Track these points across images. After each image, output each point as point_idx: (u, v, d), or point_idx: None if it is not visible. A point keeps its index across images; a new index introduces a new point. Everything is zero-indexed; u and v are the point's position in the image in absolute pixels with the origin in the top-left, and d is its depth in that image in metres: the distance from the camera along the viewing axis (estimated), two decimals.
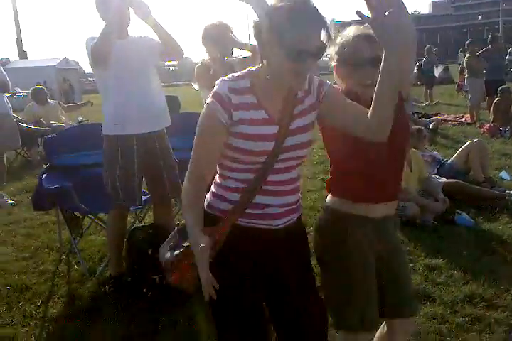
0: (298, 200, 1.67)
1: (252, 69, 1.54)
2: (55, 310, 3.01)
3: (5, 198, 5.46)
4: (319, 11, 1.39)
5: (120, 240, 3.26)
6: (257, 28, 1.43)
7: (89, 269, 3.50)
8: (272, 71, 1.46)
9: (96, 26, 3.10)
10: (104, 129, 3.10)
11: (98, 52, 2.88)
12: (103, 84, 3.10)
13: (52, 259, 3.75)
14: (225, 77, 1.52)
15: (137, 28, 3.21)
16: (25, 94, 15.65)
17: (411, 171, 4.26)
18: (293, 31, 1.34)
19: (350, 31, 1.75)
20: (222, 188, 1.60)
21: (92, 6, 3.10)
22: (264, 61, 1.47)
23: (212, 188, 1.63)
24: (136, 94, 3.02)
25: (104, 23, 2.88)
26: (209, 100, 1.49)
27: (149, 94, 3.08)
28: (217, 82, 1.52)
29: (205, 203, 1.61)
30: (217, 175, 1.63)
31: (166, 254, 1.58)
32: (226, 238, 1.50)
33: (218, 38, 3.20)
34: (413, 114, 9.07)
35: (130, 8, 2.92)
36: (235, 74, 1.53)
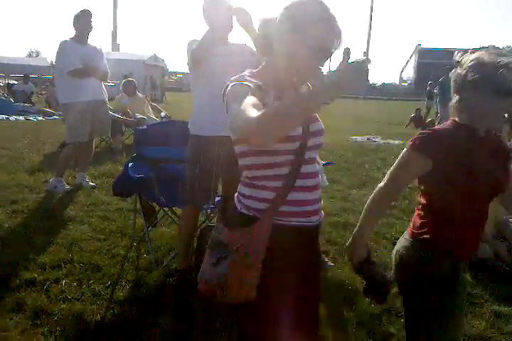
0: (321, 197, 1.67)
1: (253, 71, 1.59)
2: (121, 293, 3.14)
3: (87, 180, 5.78)
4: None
5: (190, 236, 3.37)
6: (268, 29, 1.52)
7: (157, 259, 3.64)
8: (285, 70, 1.52)
9: (186, 28, 3.28)
10: (191, 128, 3.23)
11: (197, 56, 3.05)
12: (195, 84, 3.25)
13: (124, 244, 3.92)
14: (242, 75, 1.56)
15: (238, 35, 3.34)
16: (113, 84, 16.45)
17: None
18: (319, 30, 1.43)
19: None
20: (257, 188, 1.56)
21: (187, 7, 3.27)
22: (270, 62, 1.56)
23: (243, 190, 1.61)
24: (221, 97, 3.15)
25: (207, 28, 3.03)
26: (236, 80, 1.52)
27: None
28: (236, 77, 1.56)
29: (238, 205, 1.60)
30: (246, 176, 1.61)
31: (213, 270, 1.55)
32: (272, 240, 1.50)
33: None
34: None
35: (233, 16, 3.04)
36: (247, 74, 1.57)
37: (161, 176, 3.71)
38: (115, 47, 36.05)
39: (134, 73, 23.47)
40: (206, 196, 3.26)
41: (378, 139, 12.12)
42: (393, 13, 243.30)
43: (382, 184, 1.79)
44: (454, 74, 1.73)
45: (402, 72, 57.44)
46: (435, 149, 1.68)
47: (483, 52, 1.65)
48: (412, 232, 1.85)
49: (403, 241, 1.88)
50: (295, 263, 1.58)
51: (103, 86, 5.69)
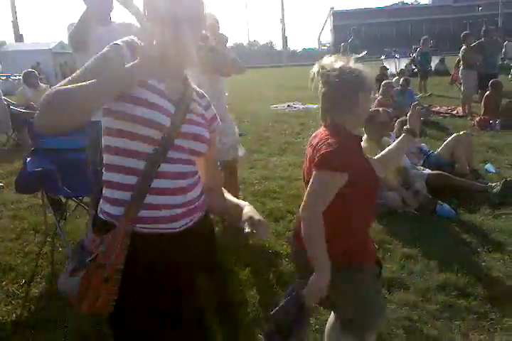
0: (200, 196, 1.51)
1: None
2: (37, 290, 3.07)
3: None
4: None
5: None
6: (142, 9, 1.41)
7: (73, 251, 3.54)
8: (159, 48, 1.36)
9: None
10: None
11: (76, 38, 2.93)
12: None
13: (37, 241, 3.81)
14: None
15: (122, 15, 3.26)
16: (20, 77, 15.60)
17: None
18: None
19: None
20: (111, 187, 1.41)
21: None
22: (151, 42, 1.38)
23: (103, 191, 1.45)
24: None
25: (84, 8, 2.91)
26: (115, 43, 1.37)
27: None
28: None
29: (98, 208, 1.44)
30: (104, 175, 1.45)
31: (68, 281, 1.39)
32: (132, 249, 1.34)
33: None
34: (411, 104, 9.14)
35: None
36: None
37: (64, 167, 3.59)
38: (18, 37, 33.91)
39: (41, 63, 22.33)
40: None
41: (298, 105, 12.29)
42: None
43: (306, 213, 1.76)
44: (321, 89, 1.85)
45: (320, 36, 58.43)
46: (347, 162, 1.74)
47: (338, 62, 1.83)
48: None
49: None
50: (162, 274, 1.41)
51: None
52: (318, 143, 1.83)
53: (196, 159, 1.49)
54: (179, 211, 1.42)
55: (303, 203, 1.79)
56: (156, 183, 1.37)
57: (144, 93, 1.35)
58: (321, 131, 1.90)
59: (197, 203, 1.48)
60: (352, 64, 1.83)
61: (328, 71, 1.82)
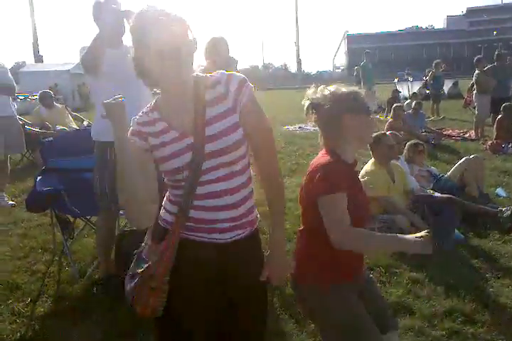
0: (244, 215, 1.59)
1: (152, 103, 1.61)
2: (42, 309, 3.09)
3: (5, 199, 5.58)
4: (167, 12, 1.43)
5: (109, 243, 3.33)
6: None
7: (80, 270, 3.58)
8: (160, 85, 1.51)
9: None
10: (94, 135, 3.20)
11: (87, 61, 2.99)
12: (94, 91, 3.21)
13: (45, 260, 3.84)
14: (136, 116, 1.60)
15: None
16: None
17: (394, 183, 4.29)
18: (142, 35, 1.43)
19: None
20: (166, 199, 1.64)
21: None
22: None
23: (163, 202, 1.67)
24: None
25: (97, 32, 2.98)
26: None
27: (137, 103, 3.17)
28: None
29: (159, 216, 1.66)
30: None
31: (128, 285, 1.58)
32: (177, 254, 1.53)
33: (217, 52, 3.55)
34: (424, 130, 9.19)
35: (125, 19, 3.01)
36: (145, 109, 1.60)
37: (73, 186, 3.65)
38: (38, 58, 34.69)
39: (60, 84, 22.78)
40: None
41: (309, 127, 12.31)
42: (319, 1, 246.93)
43: (335, 235, 1.71)
44: (321, 113, 1.85)
45: (334, 58, 59.31)
46: (342, 182, 1.74)
47: (329, 87, 1.86)
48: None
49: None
50: (203, 281, 1.56)
51: (10, 101, 5.49)
52: (312, 164, 1.86)
53: (234, 173, 1.54)
54: (226, 225, 1.55)
55: (329, 232, 1.72)
56: (204, 202, 1.53)
57: (165, 150, 1.52)
58: (321, 152, 1.92)
59: (244, 219, 1.59)
60: (341, 89, 1.83)
61: (314, 99, 1.85)
